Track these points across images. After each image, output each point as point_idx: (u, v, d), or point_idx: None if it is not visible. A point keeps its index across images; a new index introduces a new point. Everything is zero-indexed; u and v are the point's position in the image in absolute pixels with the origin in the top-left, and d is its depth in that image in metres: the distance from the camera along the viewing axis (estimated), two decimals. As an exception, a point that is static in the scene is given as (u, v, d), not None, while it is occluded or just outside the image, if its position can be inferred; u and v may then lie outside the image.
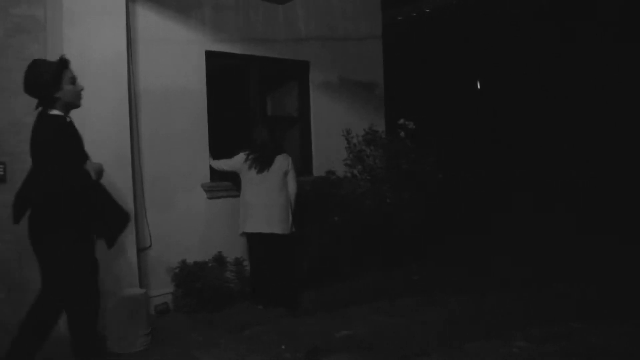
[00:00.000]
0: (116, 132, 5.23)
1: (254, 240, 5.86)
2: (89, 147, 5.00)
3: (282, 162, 5.86)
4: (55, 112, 3.77)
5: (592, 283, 6.23)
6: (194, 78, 6.04)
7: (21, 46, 5.13)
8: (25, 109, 5.11)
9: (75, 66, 4.93)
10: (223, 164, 6.02)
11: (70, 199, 3.67)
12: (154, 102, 5.76)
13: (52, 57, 5.13)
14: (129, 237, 5.30)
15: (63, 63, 3.82)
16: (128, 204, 5.28)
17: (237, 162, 5.90)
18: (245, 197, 5.85)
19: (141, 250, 5.57)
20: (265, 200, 5.74)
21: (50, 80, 3.72)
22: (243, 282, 6.03)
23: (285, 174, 5.87)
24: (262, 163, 5.80)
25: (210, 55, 6.23)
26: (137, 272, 5.36)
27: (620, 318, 5.06)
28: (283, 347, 4.70)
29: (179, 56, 5.96)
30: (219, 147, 6.27)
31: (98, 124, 5.09)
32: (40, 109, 3.79)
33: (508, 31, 12.20)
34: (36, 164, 3.72)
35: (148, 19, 5.75)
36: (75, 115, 4.93)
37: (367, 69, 7.88)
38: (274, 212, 5.74)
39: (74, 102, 3.93)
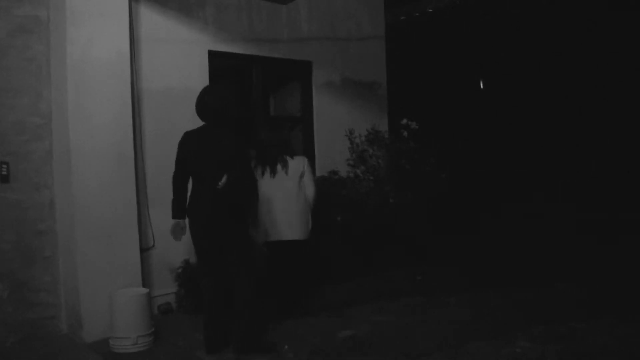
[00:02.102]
0: (119, 131, 5.23)
1: (271, 249, 5.55)
2: (92, 146, 5.05)
3: (297, 165, 5.57)
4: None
5: (593, 283, 6.22)
6: (196, 78, 6.04)
7: (24, 46, 5.14)
8: (29, 109, 5.16)
9: (78, 67, 5.00)
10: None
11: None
12: (157, 102, 5.78)
13: (55, 57, 5.17)
14: (132, 237, 5.31)
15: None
16: (131, 203, 5.30)
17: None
18: (263, 204, 5.43)
19: (144, 250, 5.57)
20: (284, 205, 5.45)
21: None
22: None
23: (301, 176, 5.56)
24: (272, 166, 5.52)
25: (213, 55, 6.24)
26: (140, 272, 5.36)
27: (622, 318, 5.05)
28: (286, 347, 4.71)
29: (181, 56, 5.97)
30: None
31: (101, 123, 5.10)
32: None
33: (510, 30, 12.18)
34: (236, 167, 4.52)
35: (151, 19, 5.76)
36: (78, 115, 4.98)
37: (370, 69, 7.88)
38: (293, 218, 5.46)
39: None
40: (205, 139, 4.61)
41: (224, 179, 4.37)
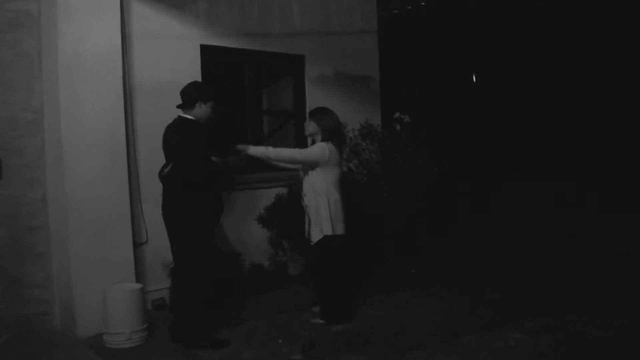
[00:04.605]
0: (111, 126, 5.21)
1: (337, 243, 5.16)
2: (84, 142, 5.03)
3: None
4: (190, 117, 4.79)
5: (588, 275, 6.25)
6: (189, 72, 6.01)
7: (15, 41, 5.11)
8: (20, 105, 5.13)
9: (69, 61, 4.98)
10: (296, 154, 5.24)
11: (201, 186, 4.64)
12: (149, 97, 5.75)
13: (47, 52, 5.14)
14: (125, 232, 5.30)
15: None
16: (124, 198, 5.29)
17: (323, 153, 5.12)
18: (334, 194, 5.15)
19: (137, 245, 5.56)
20: (342, 194, 5.28)
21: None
22: (240, 277, 6.03)
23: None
24: (342, 154, 5.33)
25: (205, 50, 6.22)
26: (134, 268, 5.35)
27: (616, 310, 5.08)
28: (280, 341, 4.72)
29: (174, 51, 5.95)
30: (215, 142, 6.24)
31: (93, 118, 5.09)
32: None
33: (503, 23, 12.19)
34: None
35: (143, 14, 5.73)
36: (70, 110, 4.97)
37: (363, 63, 7.87)
38: (344, 207, 5.30)
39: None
40: (167, 130, 4.84)
41: (167, 168, 4.59)
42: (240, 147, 5.15)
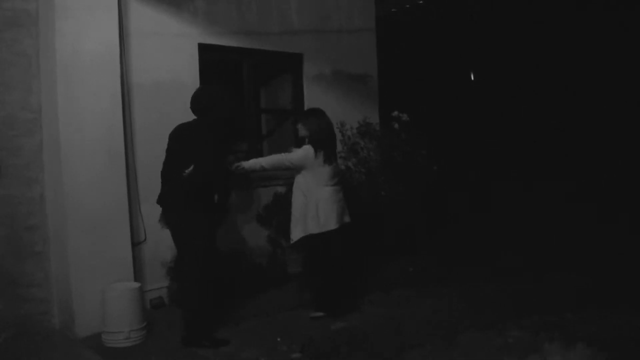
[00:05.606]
0: (109, 125, 5.20)
1: (321, 240, 5.24)
2: (82, 141, 5.03)
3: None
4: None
5: (587, 275, 6.24)
6: (187, 71, 6.02)
7: (13, 40, 5.10)
8: (19, 104, 5.12)
9: (68, 60, 4.97)
10: (284, 160, 5.33)
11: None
12: (147, 96, 5.74)
13: (45, 51, 5.14)
14: (123, 231, 5.30)
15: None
16: (122, 197, 5.28)
17: (306, 157, 5.22)
18: (318, 195, 5.19)
19: (136, 244, 5.56)
20: (337, 196, 5.30)
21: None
22: (239, 276, 6.02)
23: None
24: (333, 155, 5.33)
25: (203, 49, 6.21)
26: (132, 266, 5.35)
27: (616, 309, 5.07)
28: (279, 339, 4.72)
29: (172, 49, 5.94)
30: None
31: (91, 117, 5.08)
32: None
33: (501, 21, 12.18)
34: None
35: (140, 12, 5.72)
36: (68, 109, 4.96)
37: (361, 61, 7.87)
38: (344, 207, 5.37)
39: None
40: (184, 132, 4.82)
41: (189, 169, 4.54)
42: (235, 165, 5.25)
